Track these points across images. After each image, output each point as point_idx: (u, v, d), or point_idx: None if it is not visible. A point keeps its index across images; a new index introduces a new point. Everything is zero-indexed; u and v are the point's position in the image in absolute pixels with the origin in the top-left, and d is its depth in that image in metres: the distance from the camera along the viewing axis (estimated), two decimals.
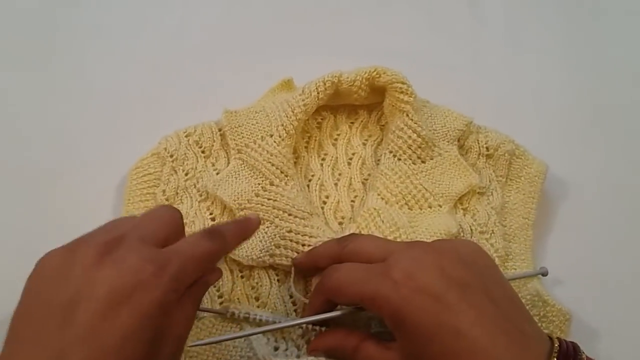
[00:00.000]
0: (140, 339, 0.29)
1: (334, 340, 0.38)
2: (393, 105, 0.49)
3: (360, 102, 0.52)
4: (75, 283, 0.29)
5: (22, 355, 0.29)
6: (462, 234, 0.48)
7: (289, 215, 0.45)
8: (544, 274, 0.48)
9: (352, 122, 0.53)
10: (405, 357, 0.34)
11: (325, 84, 0.48)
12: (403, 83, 0.48)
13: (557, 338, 0.33)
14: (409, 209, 0.47)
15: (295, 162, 0.50)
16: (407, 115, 0.48)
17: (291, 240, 0.45)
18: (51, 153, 0.52)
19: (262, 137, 0.48)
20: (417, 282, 0.32)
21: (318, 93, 0.49)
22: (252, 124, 0.49)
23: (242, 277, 0.46)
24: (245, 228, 0.40)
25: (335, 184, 0.50)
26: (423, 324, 0.32)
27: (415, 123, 0.48)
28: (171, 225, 0.34)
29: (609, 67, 0.59)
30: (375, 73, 0.49)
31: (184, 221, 0.36)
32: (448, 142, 0.50)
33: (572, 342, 0.34)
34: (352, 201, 0.50)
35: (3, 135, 0.53)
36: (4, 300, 0.31)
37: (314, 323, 0.40)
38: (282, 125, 0.47)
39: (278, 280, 0.46)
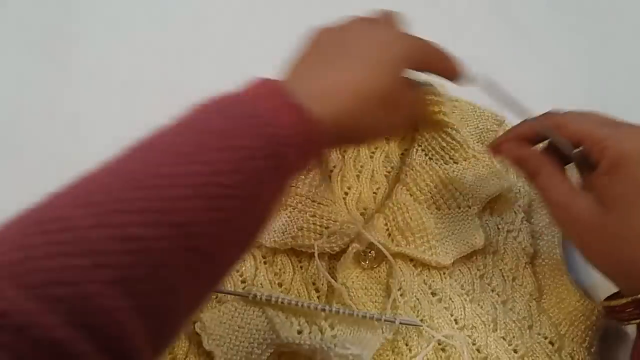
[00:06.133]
0: (392, 72, 0.37)
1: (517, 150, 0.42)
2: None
3: None
4: (353, 35, 0.38)
5: (327, 69, 0.36)
6: (489, 247, 0.47)
7: (312, 201, 0.45)
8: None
9: None
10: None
11: None
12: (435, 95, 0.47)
13: None
14: (436, 208, 0.47)
15: None
16: (442, 122, 0.47)
17: (314, 224, 0.44)
18: (77, 144, 0.52)
19: None
20: None
21: None
22: None
23: (265, 262, 0.45)
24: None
25: (357, 176, 0.50)
26: None
27: (450, 128, 0.48)
28: None
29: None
30: None
31: None
32: (482, 143, 0.50)
33: None
34: (375, 193, 0.50)
35: (31, 128, 0.53)
36: None
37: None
38: None
39: (301, 267, 0.45)
